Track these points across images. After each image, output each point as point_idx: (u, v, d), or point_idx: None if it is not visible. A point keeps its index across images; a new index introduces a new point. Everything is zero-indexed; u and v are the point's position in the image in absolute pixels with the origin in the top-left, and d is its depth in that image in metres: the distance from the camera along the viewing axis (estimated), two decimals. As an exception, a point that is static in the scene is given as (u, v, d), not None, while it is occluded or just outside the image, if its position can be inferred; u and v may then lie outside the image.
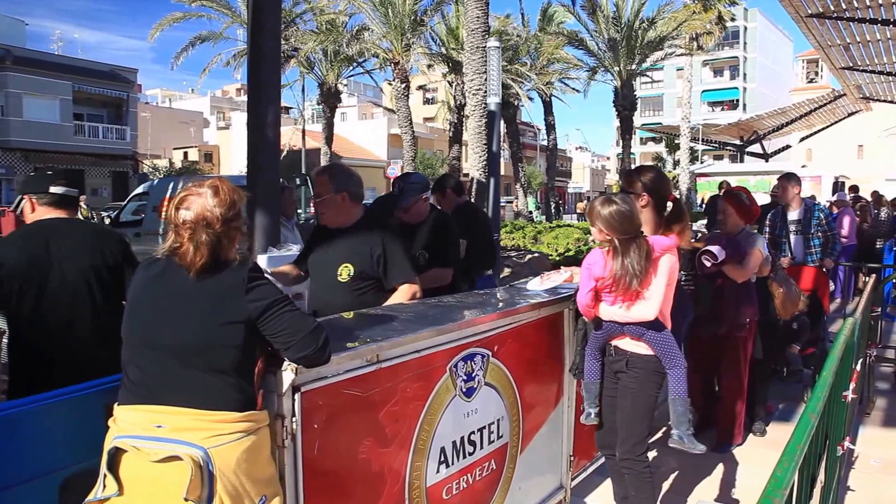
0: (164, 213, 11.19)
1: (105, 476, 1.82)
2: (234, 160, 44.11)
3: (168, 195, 11.44)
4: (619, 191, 3.34)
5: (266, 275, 2.07)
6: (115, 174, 34.54)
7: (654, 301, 2.92)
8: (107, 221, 14.05)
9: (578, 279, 3.33)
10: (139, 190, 14.43)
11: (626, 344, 3.07)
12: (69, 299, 2.85)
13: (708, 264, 4.02)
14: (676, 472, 4.15)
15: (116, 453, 1.83)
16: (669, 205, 3.30)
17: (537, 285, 3.57)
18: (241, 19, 26.93)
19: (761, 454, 4.47)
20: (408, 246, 3.30)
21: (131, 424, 1.86)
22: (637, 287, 2.87)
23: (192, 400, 1.87)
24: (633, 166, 30.97)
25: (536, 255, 14.58)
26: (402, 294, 3.17)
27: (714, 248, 4.06)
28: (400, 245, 3.22)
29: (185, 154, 46.19)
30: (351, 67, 31.01)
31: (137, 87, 38.00)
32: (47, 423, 1.99)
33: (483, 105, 12.35)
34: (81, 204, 10.53)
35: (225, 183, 2.03)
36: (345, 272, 3.14)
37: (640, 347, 3.04)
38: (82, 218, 3.30)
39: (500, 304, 3.42)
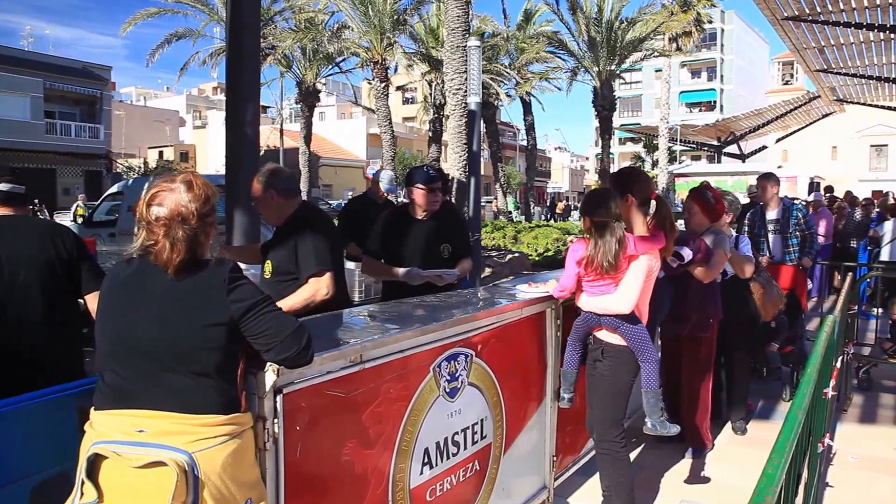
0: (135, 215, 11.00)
1: (83, 483, 1.76)
2: (211, 160, 43.67)
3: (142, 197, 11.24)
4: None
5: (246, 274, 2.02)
6: (88, 173, 33.97)
7: (629, 296, 3.07)
8: (79, 221, 13.77)
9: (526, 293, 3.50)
10: (113, 189, 14.17)
11: (603, 335, 3.23)
12: (21, 295, 2.78)
13: (674, 265, 3.97)
14: (660, 472, 4.16)
15: (96, 459, 1.77)
16: (653, 203, 3.38)
17: (526, 289, 3.54)
18: (219, 17, 26.67)
19: (742, 452, 4.50)
20: (322, 240, 3.23)
21: (111, 429, 1.80)
22: (609, 270, 3.02)
23: (174, 403, 1.81)
24: (612, 166, 31.22)
25: (517, 255, 14.59)
26: (306, 290, 3.11)
27: (682, 249, 4.01)
28: (311, 239, 3.20)
29: (161, 153, 45.58)
30: (330, 66, 30.85)
31: (111, 85, 37.44)
32: (16, 428, 1.93)
33: (463, 104, 12.34)
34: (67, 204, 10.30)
35: (198, 177, 1.98)
36: (267, 268, 3.33)
37: (615, 338, 3.20)
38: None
39: (483, 304, 3.40)
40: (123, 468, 1.74)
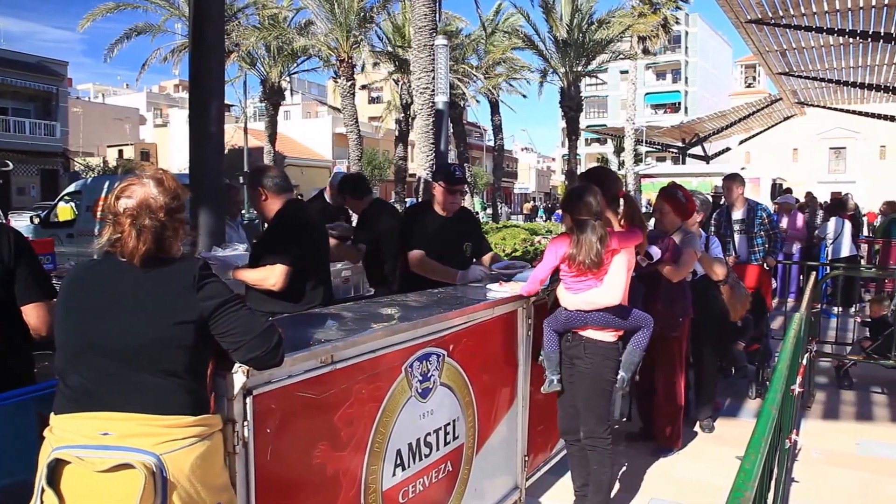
0: (100, 212, 10.73)
1: (43, 491, 1.69)
2: (173, 159, 42.85)
3: (104, 194, 10.98)
4: None
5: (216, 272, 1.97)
6: (44, 172, 33.05)
7: (617, 286, 3.14)
8: (35, 221, 13.38)
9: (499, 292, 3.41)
10: (71, 189, 13.83)
11: (589, 333, 3.23)
12: None
13: (644, 264, 3.98)
14: (630, 472, 4.18)
15: (57, 465, 1.70)
16: (622, 201, 3.45)
17: (495, 288, 3.51)
18: (180, 12, 26.18)
19: (711, 450, 4.54)
20: (290, 236, 3.37)
21: (73, 433, 1.74)
22: (592, 267, 3.04)
23: (141, 404, 1.76)
24: (578, 167, 31.46)
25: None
26: (257, 273, 3.31)
27: (651, 248, 4.02)
28: (280, 234, 3.39)
29: (121, 152, 44.55)
30: (295, 64, 30.50)
31: (68, 81, 36.43)
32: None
33: (430, 104, 12.30)
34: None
35: (168, 174, 1.96)
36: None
37: (600, 335, 3.22)
38: None
39: (455, 303, 3.36)
40: (87, 473, 1.69)
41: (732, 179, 6.40)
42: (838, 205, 10.88)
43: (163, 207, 1.86)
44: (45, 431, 1.79)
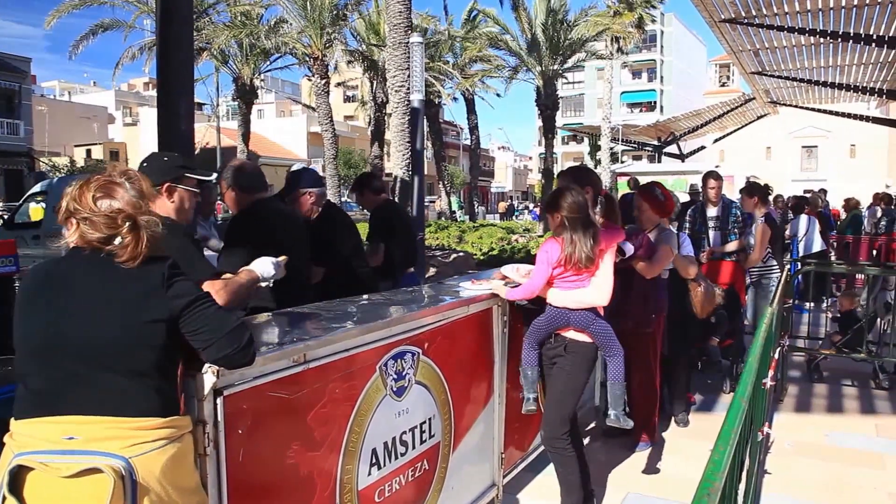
0: (63, 207, 10.50)
1: (4, 498, 1.64)
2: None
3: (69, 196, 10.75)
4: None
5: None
6: (8, 172, 32.30)
7: (606, 287, 3.18)
8: (-1, 223, 13.11)
9: (512, 275, 3.50)
10: (36, 189, 13.56)
11: (570, 334, 3.25)
12: None
13: (617, 260, 4.02)
14: (606, 466, 4.20)
15: (20, 472, 1.65)
16: (601, 199, 3.52)
17: (469, 286, 3.50)
18: (149, 8, 25.78)
19: (687, 444, 4.59)
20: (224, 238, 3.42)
21: (35, 439, 1.69)
22: (588, 264, 3.06)
23: (108, 407, 1.71)
24: (555, 166, 31.55)
25: (461, 254, 14.62)
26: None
27: (624, 244, 4.02)
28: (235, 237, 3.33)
29: (89, 152, 43.67)
30: (268, 62, 30.23)
31: (31, 78, 35.71)
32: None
33: (406, 102, 12.24)
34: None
35: (137, 172, 1.94)
36: None
37: (581, 336, 3.24)
38: None
39: (429, 302, 3.35)
40: (52, 479, 1.64)
41: (711, 176, 6.46)
42: (804, 203, 11.04)
43: (146, 210, 1.86)
44: (6, 437, 1.73)
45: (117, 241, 1.79)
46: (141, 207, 1.84)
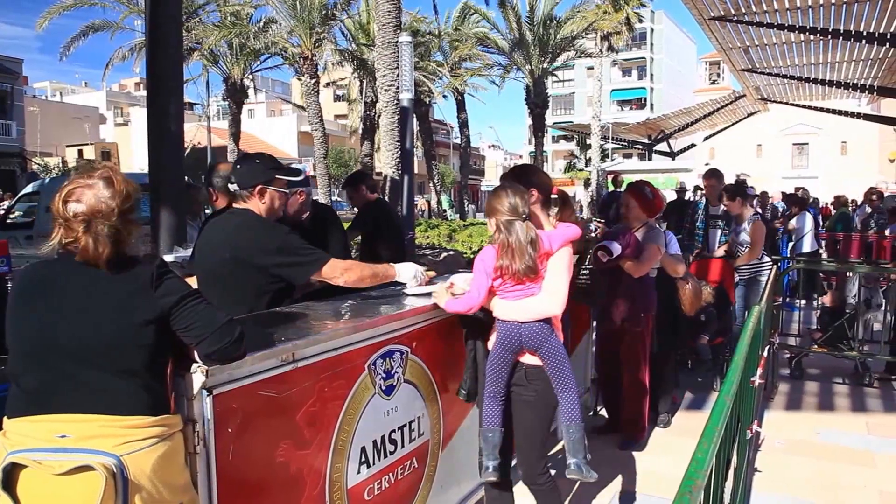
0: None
1: None
2: (135, 158, 42.06)
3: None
4: None
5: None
6: (1, 173, 32.14)
7: (558, 294, 2.75)
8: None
9: (461, 285, 3.01)
10: (28, 189, 13.53)
11: (525, 358, 2.84)
12: None
13: (605, 259, 4.01)
14: (596, 464, 4.09)
15: (13, 470, 1.68)
16: (555, 198, 3.18)
17: (414, 287, 3.26)
18: (139, 9, 25.65)
19: (676, 442, 4.60)
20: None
21: (28, 437, 1.71)
22: (528, 273, 2.67)
23: (99, 405, 1.74)
24: (545, 164, 31.47)
25: (451, 252, 14.62)
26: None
27: (611, 244, 4.04)
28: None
29: (80, 152, 43.49)
30: (258, 62, 30.16)
31: (23, 79, 35.53)
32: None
33: (396, 101, 12.24)
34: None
35: (117, 173, 1.91)
36: None
37: (537, 360, 2.83)
38: None
39: (418, 300, 3.36)
40: (44, 477, 1.66)
41: (713, 176, 6.50)
42: (801, 200, 11.11)
43: (114, 211, 1.82)
44: None
45: (67, 242, 1.81)
46: (110, 208, 1.81)
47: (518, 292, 2.74)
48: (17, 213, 13.28)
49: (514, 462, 3.04)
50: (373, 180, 5.71)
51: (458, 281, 3.04)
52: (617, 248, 4.02)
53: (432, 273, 3.11)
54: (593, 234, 4.37)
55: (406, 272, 3.05)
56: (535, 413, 2.86)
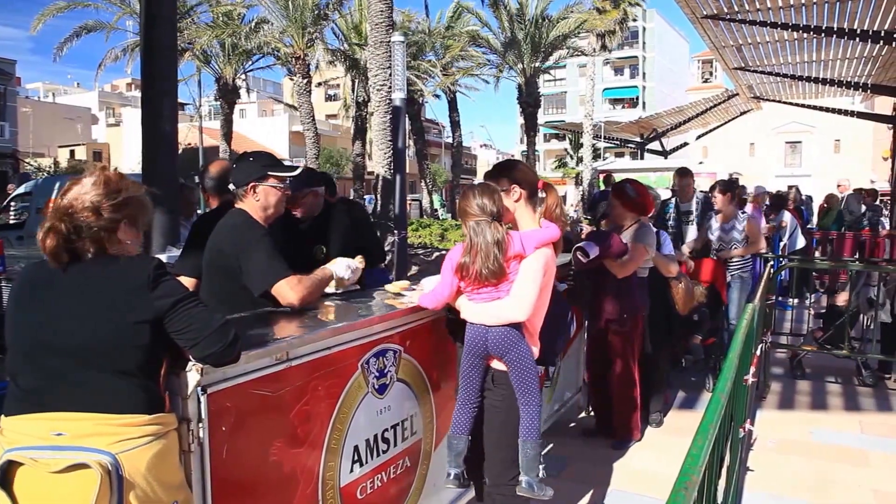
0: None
1: None
2: (127, 159, 41.88)
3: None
4: None
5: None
6: (-6, 174, 32.05)
7: (524, 299, 2.62)
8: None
9: (430, 286, 3.00)
10: (21, 190, 13.52)
11: (493, 362, 2.77)
12: None
13: (584, 260, 4.00)
14: (589, 465, 4.23)
15: (9, 467, 1.70)
16: (542, 193, 3.04)
17: (391, 287, 3.34)
18: (132, 10, 25.59)
19: (669, 441, 4.61)
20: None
21: (24, 435, 1.73)
22: (490, 277, 2.58)
23: (95, 404, 1.76)
24: (537, 163, 31.48)
25: (444, 252, 14.65)
26: None
27: (589, 246, 4.03)
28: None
29: (72, 152, 43.38)
30: (250, 62, 30.11)
31: (16, 80, 35.40)
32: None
33: (388, 101, 12.28)
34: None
35: (108, 171, 1.94)
36: None
37: (503, 365, 2.75)
38: None
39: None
40: (40, 474, 1.68)
41: (684, 174, 6.55)
42: (782, 200, 11.15)
43: (91, 206, 1.83)
44: None
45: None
46: (83, 207, 1.83)
47: (485, 295, 2.66)
48: (12, 212, 13.26)
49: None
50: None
51: (427, 284, 3.08)
52: (595, 250, 4.00)
53: (363, 264, 3.09)
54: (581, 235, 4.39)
55: (339, 268, 2.94)
56: (501, 420, 2.77)
